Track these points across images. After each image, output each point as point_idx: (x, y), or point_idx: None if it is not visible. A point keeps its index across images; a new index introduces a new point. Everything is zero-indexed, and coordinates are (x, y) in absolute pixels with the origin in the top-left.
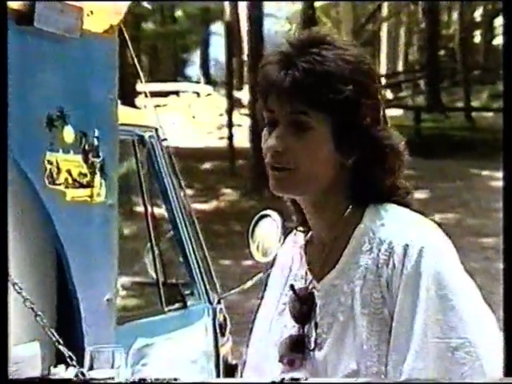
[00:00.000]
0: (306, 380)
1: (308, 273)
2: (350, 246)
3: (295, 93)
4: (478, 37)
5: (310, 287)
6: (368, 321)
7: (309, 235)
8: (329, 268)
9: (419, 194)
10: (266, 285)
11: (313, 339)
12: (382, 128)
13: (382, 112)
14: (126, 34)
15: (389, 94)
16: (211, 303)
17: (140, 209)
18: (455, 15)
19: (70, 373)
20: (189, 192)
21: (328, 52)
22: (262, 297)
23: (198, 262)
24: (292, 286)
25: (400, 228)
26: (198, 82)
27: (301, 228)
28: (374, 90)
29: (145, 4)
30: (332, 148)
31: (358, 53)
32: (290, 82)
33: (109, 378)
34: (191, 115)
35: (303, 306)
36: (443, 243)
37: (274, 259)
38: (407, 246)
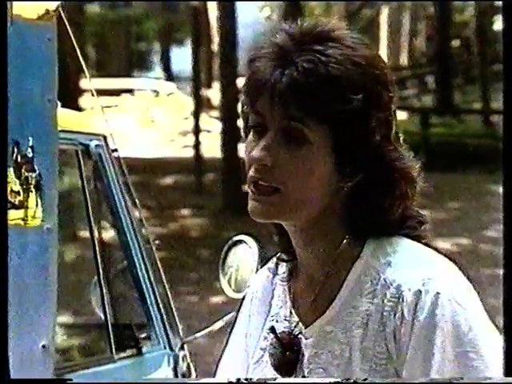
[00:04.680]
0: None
1: (293, 313)
2: (348, 285)
3: (292, 96)
4: (498, 24)
5: (296, 332)
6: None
7: (293, 265)
8: (320, 311)
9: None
10: (233, 325)
11: None
12: (393, 148)
13: (394, 128)
14: (66, 21)
15: None
16: (172, 349)
17: (85, 233)
18: None
19: None
20: (145, 213)
21: (335, 51)
22: (228, 341)
23: (156, 299)
24: (273, 329)
25: (410, 268)
26: (157, 78)
27: (284, 256)
28: (388, 100)
29: None
30: (330, 168)
31: (370, 54)
32: (286, 84)
33: None
34: (149, 119)
35: (286, 354)
36: (463, 288)
37: (248, 291)
38: (419, 292)
